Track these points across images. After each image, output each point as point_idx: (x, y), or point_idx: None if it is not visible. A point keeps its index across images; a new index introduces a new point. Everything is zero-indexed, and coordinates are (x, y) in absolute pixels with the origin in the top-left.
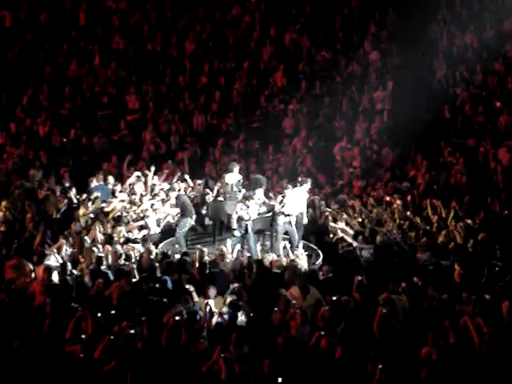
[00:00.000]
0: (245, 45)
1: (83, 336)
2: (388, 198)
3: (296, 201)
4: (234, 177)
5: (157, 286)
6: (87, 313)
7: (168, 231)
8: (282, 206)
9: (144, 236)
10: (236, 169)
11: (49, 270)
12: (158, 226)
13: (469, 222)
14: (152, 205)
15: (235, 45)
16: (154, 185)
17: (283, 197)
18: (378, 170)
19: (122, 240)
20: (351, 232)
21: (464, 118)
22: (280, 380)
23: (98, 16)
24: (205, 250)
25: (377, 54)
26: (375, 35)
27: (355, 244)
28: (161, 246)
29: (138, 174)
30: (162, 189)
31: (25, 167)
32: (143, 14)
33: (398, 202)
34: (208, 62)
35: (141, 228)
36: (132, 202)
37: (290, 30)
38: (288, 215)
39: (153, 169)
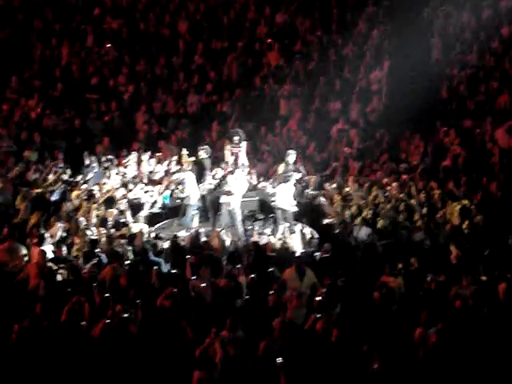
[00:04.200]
0: (239, 24)
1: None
2: (386, 180)
3: (284, 194)
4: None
5: (150, 268)
6: (83, 298)
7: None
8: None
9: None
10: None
11: (44, 252)
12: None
13: (465, 202)
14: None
15: (229, 24)
16: (151, 172)
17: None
18: (374, 151)
19: (114, 222)
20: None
21: (461, 98)
22: (280, 360)
23: None
24: (201, 231)
25: (373, 34)
26: (371, 15)
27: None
28: (155, 228)
29: (134, 156)
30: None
31: (19, 149)
32: None
33: (394, 183)
34: (202, 42)
35: (134, 210)
36: (125, 185)
37: (285, 9)
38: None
39: (148, 153)
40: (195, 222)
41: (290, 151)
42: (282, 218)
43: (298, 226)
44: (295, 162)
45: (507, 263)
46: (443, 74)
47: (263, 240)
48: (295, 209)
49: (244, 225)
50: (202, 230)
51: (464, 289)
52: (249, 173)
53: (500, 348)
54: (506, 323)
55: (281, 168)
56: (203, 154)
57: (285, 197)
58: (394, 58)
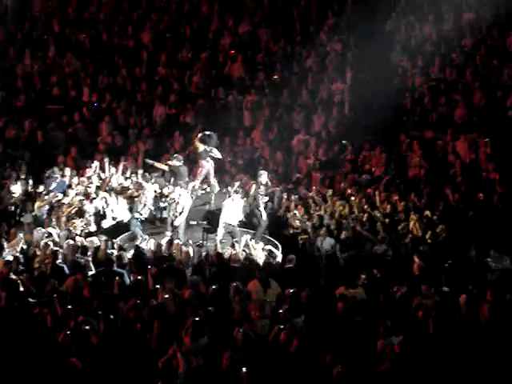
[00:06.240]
0: (203, 35)
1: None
2: (350, 191)
3: (232, 210)
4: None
5: (113, 279)
6: (46, 308)
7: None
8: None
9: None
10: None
11: (8, 263)
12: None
13: (427, 213)
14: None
15: (193, 35)
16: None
17: None
18: (337, 162)
19: (77, 233)
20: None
21: (423, 110)
22: (244, 369)
23: (53, 6)
24: (162, 242)
25: (335, 45)
26: (333, 26)
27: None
28: (119, 239)
29: (97, 165)
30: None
31: None
32: (99, 4)
33: (357, 194)
34: (165, 53)
35: (97, 221)
36: (87, 195)
37: (248, 21)
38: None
39: (107, 160)
40: (142, 233)
41: (262, 172)
42: (228, 231)
43: (244, 239)
44: (266, 182)
45: (469, 274)
46: (405, 85)
47: (227, 251)
48: (237, 223)
49: (202, 235)
50: (163, 241)
51: (427, 299)
52: (209, 183)
53: (462, 358)
54: (467, 334)
55: (253, 189)
56: (176, 161)
57: (231, 211)
58: (356, 70)
